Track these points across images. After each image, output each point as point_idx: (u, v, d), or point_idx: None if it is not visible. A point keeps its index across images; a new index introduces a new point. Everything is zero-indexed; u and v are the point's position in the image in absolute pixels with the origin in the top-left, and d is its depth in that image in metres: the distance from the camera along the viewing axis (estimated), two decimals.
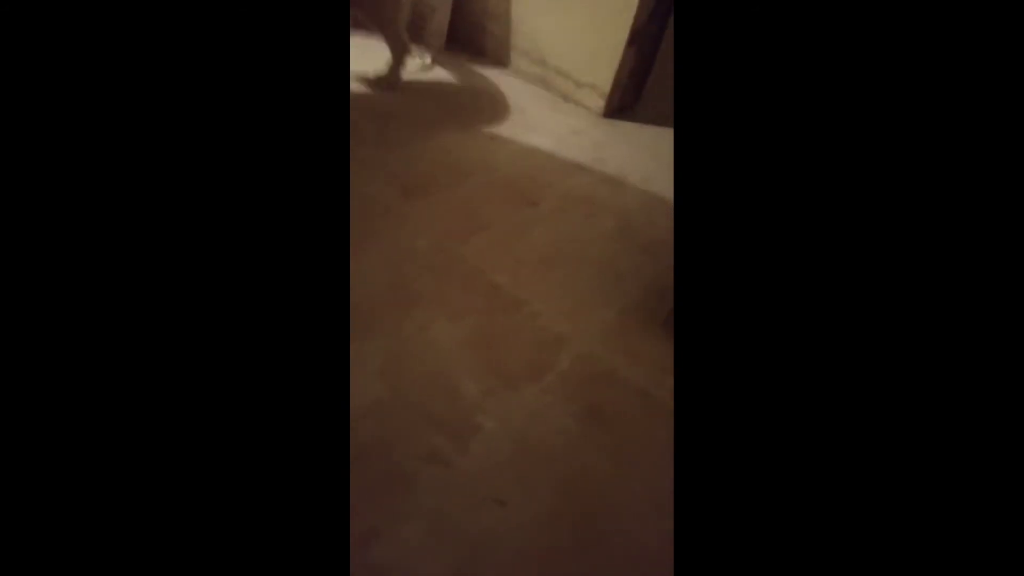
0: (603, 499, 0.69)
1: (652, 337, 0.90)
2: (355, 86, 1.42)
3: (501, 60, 1.79)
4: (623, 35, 1.48)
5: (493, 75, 1.71)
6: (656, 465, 0.73)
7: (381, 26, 1.40)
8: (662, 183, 1.33)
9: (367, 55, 1.47)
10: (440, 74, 1.64)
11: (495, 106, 1.52)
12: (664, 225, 1.18)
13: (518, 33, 1.71)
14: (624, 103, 1.65)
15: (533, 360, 0.82)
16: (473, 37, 1.82)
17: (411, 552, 0.60)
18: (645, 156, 1.43)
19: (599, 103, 1.59)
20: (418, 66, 1.62)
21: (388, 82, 1.45)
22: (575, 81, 1.63)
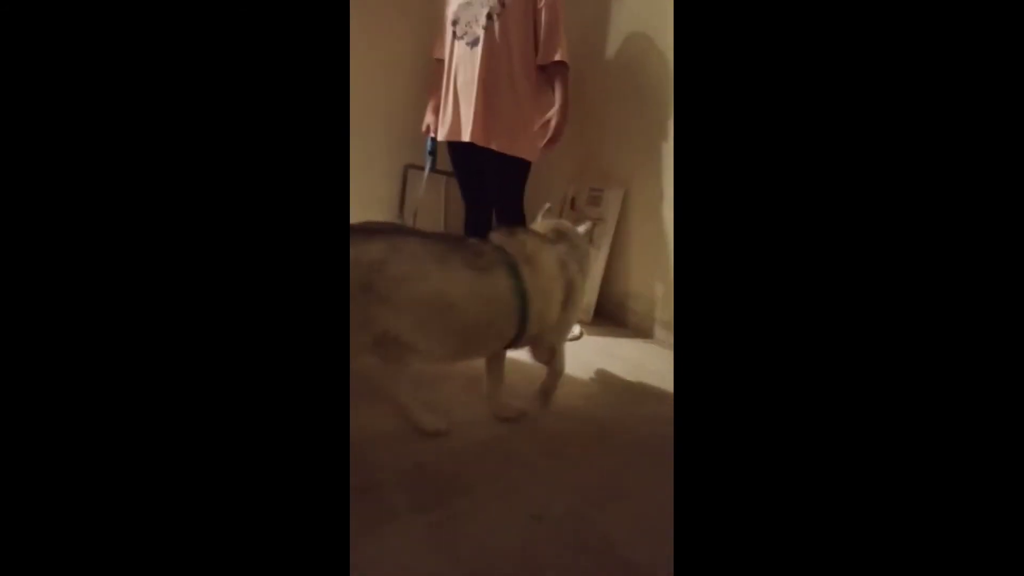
0: None
1: None
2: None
3: (644, 332, 1.95)
4: None
5: (635, 344, 1.85)
6: None
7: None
8: None
9: None
10: (587, 343, 1.84)
11: (636, 371, 1.61)
12: None
13: (660, 308, 1.90)
14: None
15: None
16: (617, 314, 2.07)
17: None
18: None
19: None
20: (570, 337, 1.86)
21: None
22: None
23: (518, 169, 1.81)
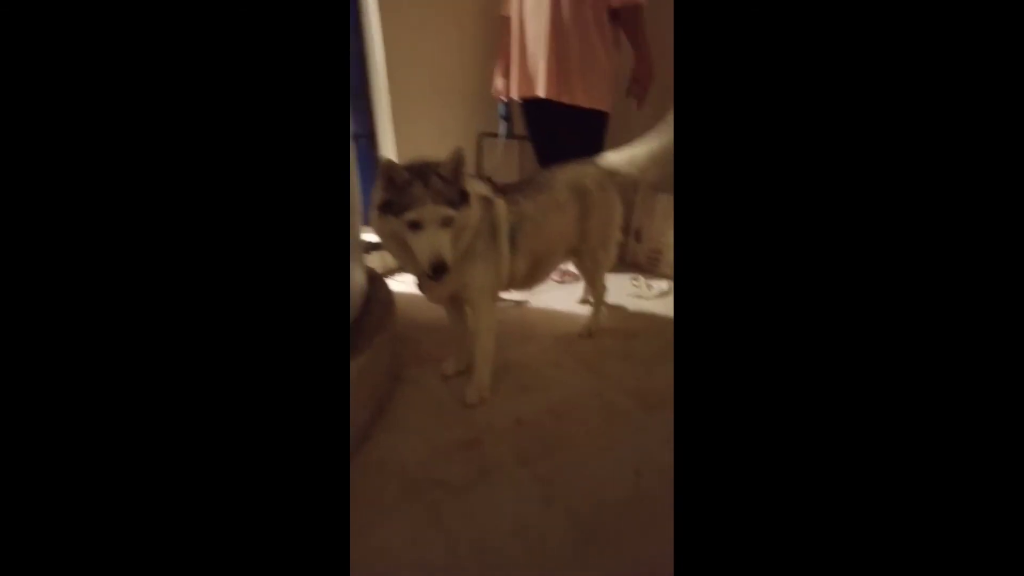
0: None
1: None
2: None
3: None
4: None
5: None
6: None
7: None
8: None
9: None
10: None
11: None
12: None
13: None
14: None
15: None
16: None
17: None
18: None
19: None
20: (656, 294, 1.79)
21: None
22: None
23: (596, 123, 1.73)
